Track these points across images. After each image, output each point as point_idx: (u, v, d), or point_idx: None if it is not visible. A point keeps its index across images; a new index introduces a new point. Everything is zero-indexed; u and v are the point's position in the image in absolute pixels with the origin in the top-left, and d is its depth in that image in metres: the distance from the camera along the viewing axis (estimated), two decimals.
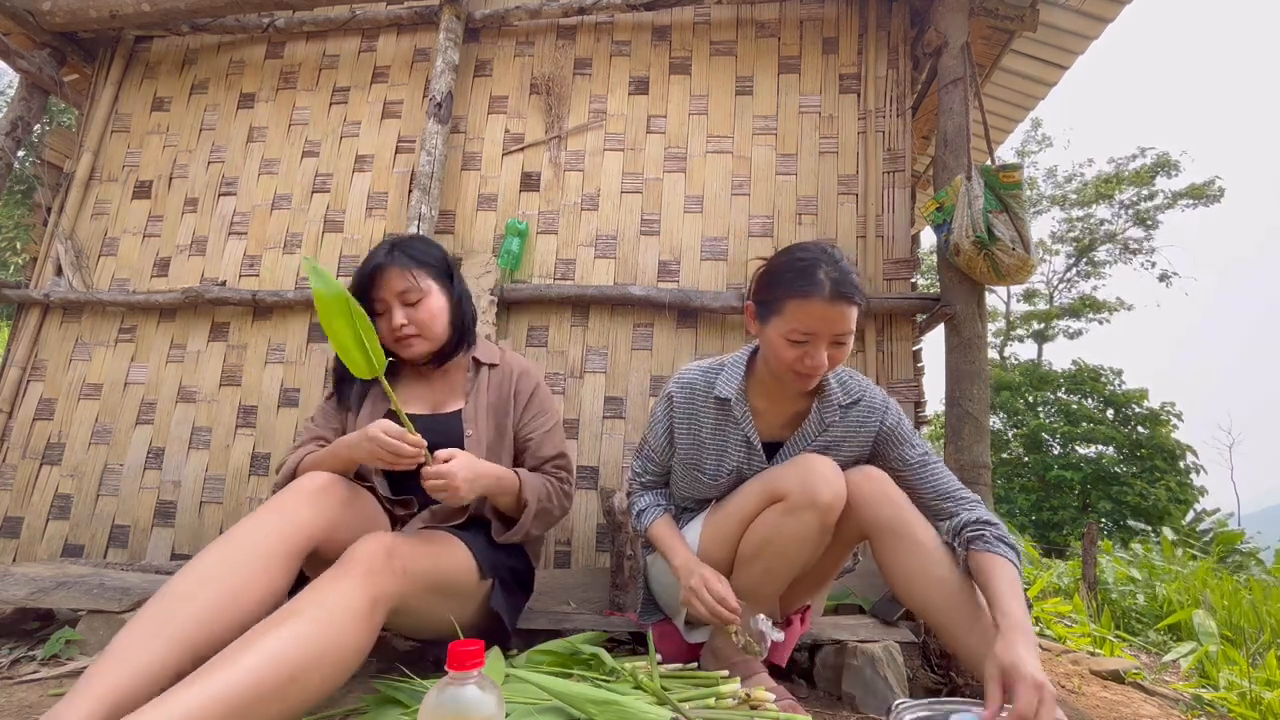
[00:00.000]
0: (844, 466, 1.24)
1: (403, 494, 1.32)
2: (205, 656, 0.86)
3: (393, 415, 1.35)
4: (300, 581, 1.24)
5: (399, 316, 1.31)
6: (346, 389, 1.39)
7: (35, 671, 1.37)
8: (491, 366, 1.45)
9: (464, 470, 1.12)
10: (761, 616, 1.14)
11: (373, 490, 1.27)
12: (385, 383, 1.08)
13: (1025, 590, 1.11)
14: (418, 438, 1.09)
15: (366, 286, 1.32)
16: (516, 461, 1.42)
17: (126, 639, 0.85)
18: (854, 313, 1.15)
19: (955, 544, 1.16)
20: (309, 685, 0.84)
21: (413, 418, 1.36)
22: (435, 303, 1.35)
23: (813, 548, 1.19)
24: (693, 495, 1.39)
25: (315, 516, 1.04)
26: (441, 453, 1.13)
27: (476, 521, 1.32)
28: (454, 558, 1.16)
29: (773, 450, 1.31)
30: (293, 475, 1.24)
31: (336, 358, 1.33)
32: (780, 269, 1.20)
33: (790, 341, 1.16)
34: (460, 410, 1.38)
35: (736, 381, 1.31)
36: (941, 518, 1.21)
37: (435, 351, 1.37)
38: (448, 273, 1.40)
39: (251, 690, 0.78)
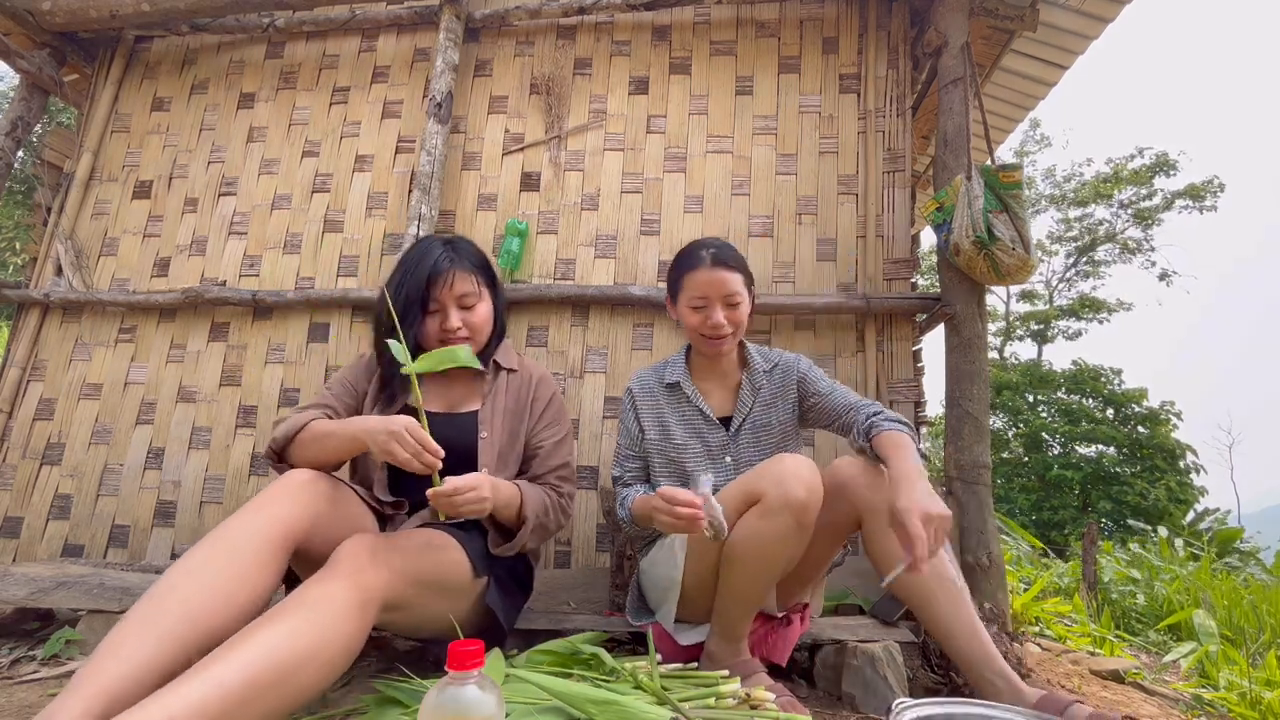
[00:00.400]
0: (786, 420, 1.49)
1: (398, 493, 1.32)
2: (196, 653, 0.87)
3: (409, 411, 1.36)
4: (290, 579, 1.24)
5: (455, 319, 1.33)
6: (395, 382, 1.38)
7: (35, 671, 1.37)
8: (510, 371, 1.46)
9: (483, 487, 1.14)
10: (702, 482, 1.16)
11: (359, 491, 1.26)
12: (415, 385, 1.11)
13: (920, 452, 1.26)
14: (436, 447, 1.08)
15: (427, 286, 1.31)
16: (523, 466, 1.42)
17: (117, 637, 0.84)
18: (735, 278, 1.43)
19: (863, 442, 1.33)
20: (302, 682, 0.85)
21: (429, 415, 1.36)
22: (486, 308, 1.39)
23: (792, 546, 1.22)
24: (674, 476, 1.46)
25: (298, 512, 1.04)
26: (453, 481, 1.11)
27: (475, 522, 1.32)
28: (445, 555, 1.16)
29: (727, 422, 1.50)
30: (292, 436, 1.22)
31: (382, 349, 1.34)
32: (676, 259, 1.52)
33: (692, 309, 1.44)
34: (477, 411, 1.38)
35: (680, 368, 1.54)
36: (850, 425, 1.39)
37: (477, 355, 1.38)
38: (493, 278, 1.43)
39: (247, 686, 0.78)
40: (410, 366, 1.14)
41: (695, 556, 1.29)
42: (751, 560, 1.20)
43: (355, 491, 1.25)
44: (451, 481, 1.10)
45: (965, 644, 1.19)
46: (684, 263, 1.47)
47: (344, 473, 1.41)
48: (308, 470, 1.12)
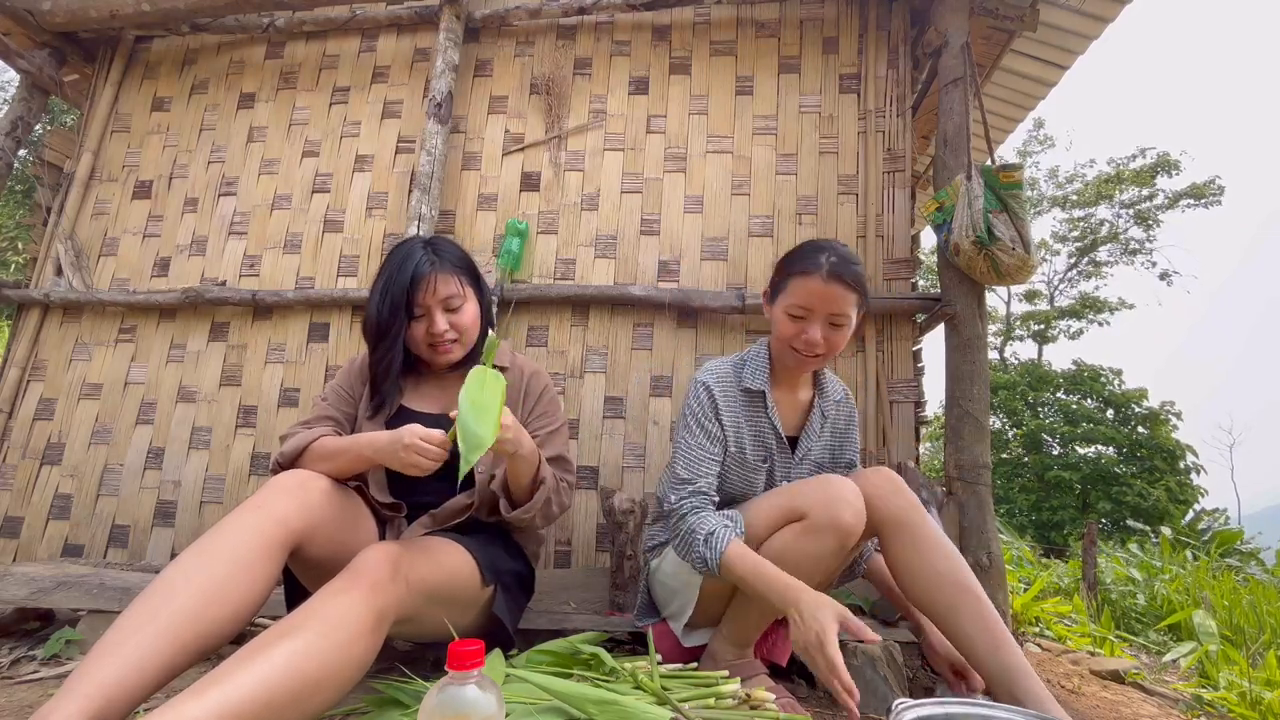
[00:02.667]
0: (850, 455, 1.45)
1: (399, 496, 1.32)
2: (194, 651, 0.86)
3: (403, 413, 1.35)
4: (288, 579, 1.24)
5: (441, 323, 1.30)
6: (389, 390, 1.36)
7: (35, 671, 1.37)
8: (502, 369, 1.45)
9: (515, 423, 1.13)
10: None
11: (358, 489, 1.25)
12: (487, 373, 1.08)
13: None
14: (435, 434, 1.07)
15: (410, 291, 1.28)
16: None
17: (114, 636, 0.83)
18: (850, 297, 1.28)
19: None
20: (316, 701, 0.84)
21: (425, 417, 1.35)
22: (472, 308, 1.36)
23: (829, 567, 1.20)
24: (727, 488, 1.40)
25: (295, 511, 1.02)
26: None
27: (475, 525, 1.32)
28: (458, 566, 1.15)
29: (792, 443, 1.42)
30: (299, 453, 1.21)
31: (371, 357, 1.33)
32: (791, 254, 1.36)
33: (790, 316, 1.30)
34: None
35: (764, 374, 1.39)
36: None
37: (466, 356, 1.38)
38: (477, 277, 1.41)
39: (261, 706, 0.77)
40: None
41: None
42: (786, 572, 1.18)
43: (358, 492, 1.25)
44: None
45: (987, 656, 1.12)
46: (797, 263, 1.32)
47: None
48: (303, 470, 1.11)
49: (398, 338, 1.29)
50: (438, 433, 1.07)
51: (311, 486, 1.08)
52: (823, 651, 0.97)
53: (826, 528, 1.14)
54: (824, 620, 0.99)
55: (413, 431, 1.06)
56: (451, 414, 1.06)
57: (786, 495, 1.22)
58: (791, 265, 1.33)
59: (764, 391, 1.37)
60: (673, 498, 1.31)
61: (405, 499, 1.30)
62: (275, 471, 1.20)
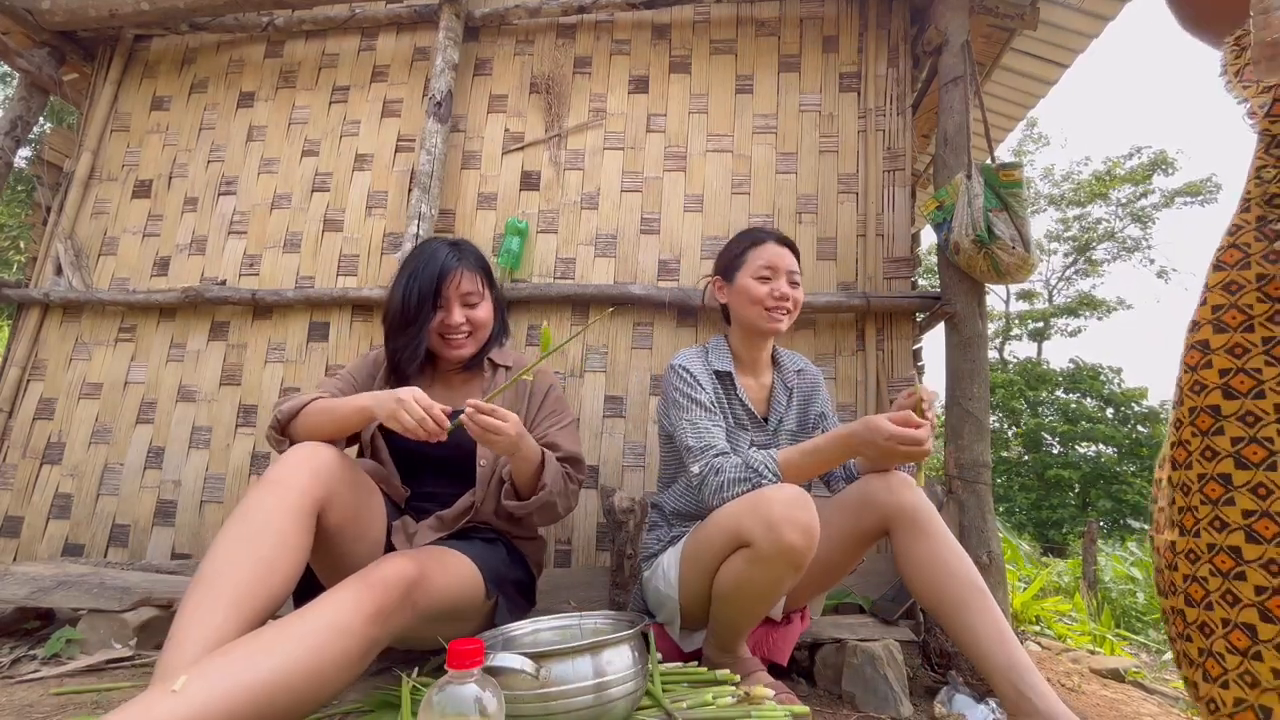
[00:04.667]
0: (811, 427, 1.52)
1: (410, 481, 1.34)
2: (258, 621, 0.91)
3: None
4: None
5: (458, 315, 1.36)
6: (412, 377, 1.40)
7: (35, 671, 1.37)
8: (507, 369, 1.48)
9: (516, 426, 1.16)
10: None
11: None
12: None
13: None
14: (440, 415, 1.10)
15: (438, 284, 1.34)
16: None
17: (184, 621, 0.87)
18: (795, 261, 1.49)
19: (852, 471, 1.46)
20: (312, 698, 0.86)
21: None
22: (488, 306, 1.42)
23: (788, 586, 1.18)
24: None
25: (310, 481, 1.05)
26: (495, 408, 1.15)
27: (477, 529, 1.33)
28: (466, 584, 1.16)
29: (764, 421, 1.50)
30: (297, 411, 1.24)
31: (394, 344, 1.36)
32: (735, 239, 1.55)
33: (759, 279, 1.44)
34: None
35: (727, 357, 1.50)
36: None
37: (475, 354, 1.42)
38: (492, 280, 1.47)
39: (264, 695, 0.79)
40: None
41: (688, 580, 1.28)
42: (744, 600, 1.18)
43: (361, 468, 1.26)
44: (494, 408, 1.13)
45: (993, 652, 1.12)
46: (747, 239, 1.51)
47: None
48: (309, 443, 1.12)
49: (423, 326, 1.34)
50: (440, 406, 1.11)
51: (321, 454, 1.09)
52: (905, 435, 1.13)
53: (773, 555, 1.10)
54: (876, 423, 1.16)
55: (413, 391, 1.10)
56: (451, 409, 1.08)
57: (728, 516, 1.18)
58: (741, 243, 1.51)
59: (730, 372, 1.47)
60: (695, 468, 1.28)
61: (411, 489, 1.33)
62: (274, 429, 1.24)
